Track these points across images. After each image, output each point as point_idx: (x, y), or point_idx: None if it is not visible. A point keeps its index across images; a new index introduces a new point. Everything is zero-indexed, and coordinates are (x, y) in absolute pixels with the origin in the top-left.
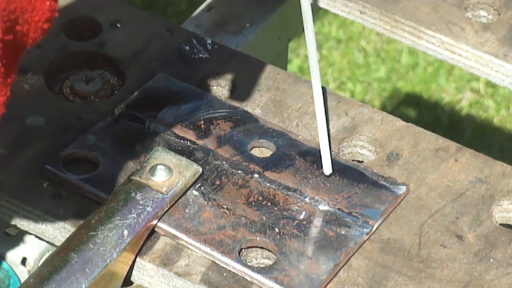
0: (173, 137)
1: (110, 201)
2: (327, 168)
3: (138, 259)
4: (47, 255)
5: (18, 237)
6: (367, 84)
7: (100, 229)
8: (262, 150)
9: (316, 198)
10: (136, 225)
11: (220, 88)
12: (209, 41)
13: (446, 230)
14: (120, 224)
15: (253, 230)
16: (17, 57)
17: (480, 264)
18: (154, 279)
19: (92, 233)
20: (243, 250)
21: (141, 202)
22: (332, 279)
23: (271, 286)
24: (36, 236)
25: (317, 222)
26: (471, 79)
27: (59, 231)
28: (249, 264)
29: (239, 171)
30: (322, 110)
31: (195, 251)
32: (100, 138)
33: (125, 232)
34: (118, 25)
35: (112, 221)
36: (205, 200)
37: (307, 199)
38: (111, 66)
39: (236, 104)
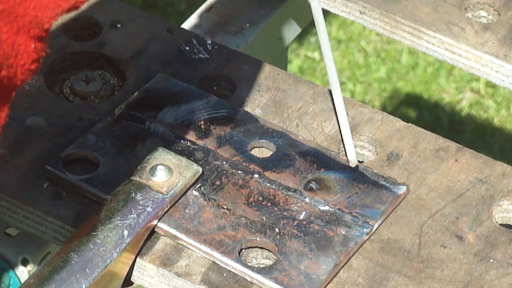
0: (173, 137)
1: (110, 201)
2: (353, 160)
3: (138, 259)
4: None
5: (18, 237)
6: (367, 85)
7: (100, 229)
8: (262, 150)
9: (316, 198)
10: (136, 225)
11: (220, 88)
12: (209, 41)
13: (446, 230)
14: (120, 224)
15: (253, 230)
16: (7, 98)
17: (480, 264)
18: (154, 279)
19: (92, 233)
20: (243, 250)
21: (141, 202)
22: (332, 279)
23: (271, 286)
24: (36, 236)
25: (317, 222)
26: (471, 79)
27: (59, 231)
28: (249, 264)
29: (239, 171)
30: (342, 104)
31: (195, 251)
32: (100, 138)
33: (125, 232)
34: (118, 25)
35: (112, 221)
36: (205, 200)
37: (307, 199)
38: (111, 66)
39: (236, 104)
